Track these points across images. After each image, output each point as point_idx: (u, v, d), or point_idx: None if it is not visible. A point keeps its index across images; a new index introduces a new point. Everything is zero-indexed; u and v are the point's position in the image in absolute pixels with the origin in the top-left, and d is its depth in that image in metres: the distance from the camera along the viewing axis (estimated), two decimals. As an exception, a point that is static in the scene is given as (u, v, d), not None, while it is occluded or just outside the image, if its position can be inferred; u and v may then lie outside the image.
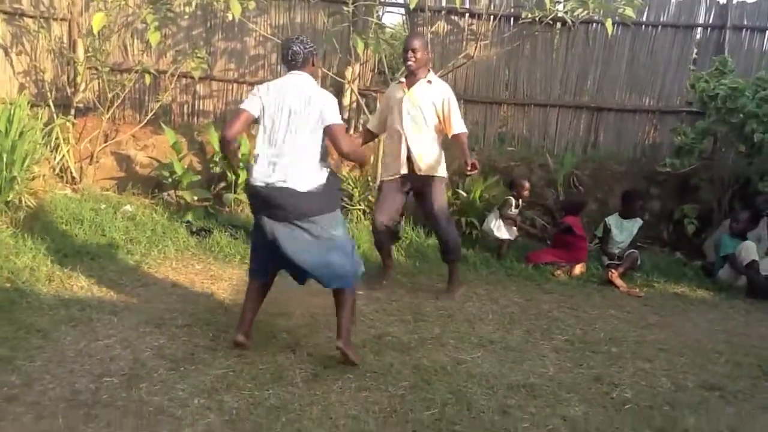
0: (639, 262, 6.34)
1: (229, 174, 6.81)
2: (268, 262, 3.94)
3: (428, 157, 5.12)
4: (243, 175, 6.48)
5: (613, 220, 6.52)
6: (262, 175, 3.71)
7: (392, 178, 5.20)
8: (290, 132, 3.71)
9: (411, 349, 4.15)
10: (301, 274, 3.96)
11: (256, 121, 3.84)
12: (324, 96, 3.80)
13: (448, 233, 5.26)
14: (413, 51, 4.98)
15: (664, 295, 5.86)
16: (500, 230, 6.42)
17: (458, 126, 5.10)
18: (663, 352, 4.47)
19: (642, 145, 7.90)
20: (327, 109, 3.74)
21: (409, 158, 5.12)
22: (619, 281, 5.87)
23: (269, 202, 3.69)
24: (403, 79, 5.19)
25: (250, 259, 4.11)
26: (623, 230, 6.46)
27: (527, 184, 6.65)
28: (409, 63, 5.01)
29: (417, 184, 5.20)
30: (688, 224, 7.09)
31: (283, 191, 3.65)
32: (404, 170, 5.14)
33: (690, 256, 6.91)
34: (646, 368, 4.17)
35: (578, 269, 6.16)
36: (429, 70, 5.18)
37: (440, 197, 5.22)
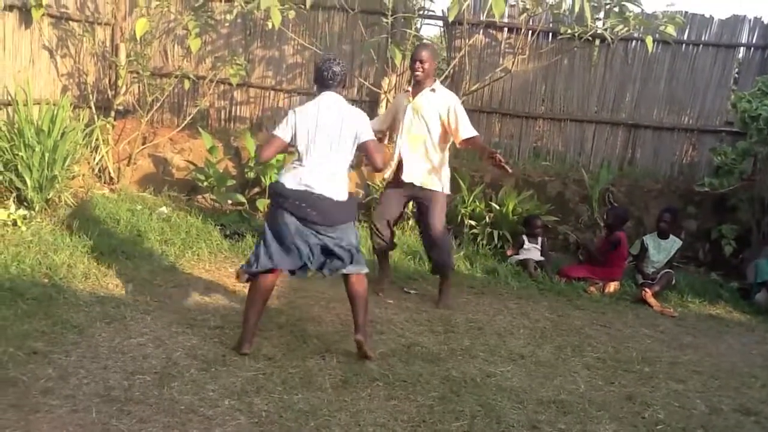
0: (674, 281, 6.23)
1: (263, 179, 6.87)
2: (280, 255, 3.90)
3: (419, 166, 5.03)
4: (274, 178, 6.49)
5: (650, 240, 6.42)
6: (299, 180, 3.84)
7: (389, 181, 5.26)
8: (328, 149, 3.88)
9: (440, 360, 4.14)
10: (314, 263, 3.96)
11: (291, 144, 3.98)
12: (357, 115, 4.00)
13: (439, 253, 5.19)
14: (421, 62, 4.97)
15: (698, 316, 5.75)
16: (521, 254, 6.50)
17: (469, 130, 5.04)
18: (697, 373, 4.39)
19: (679, 164, 7.79)
20: (361, 128, 3.95)
21: (400, 165, 5.09)
22: (652, 300, 5.78)
23: (302, 204, 3.82)
24: (409, 88, 5.21)
25: (258, 255, 3.92)
26: (661, 250, 6.35)
27: (539, 222, 6.62)
28: (417, 73, 5.00)
29: (416, 196, 5.15)
30: (725, 245, 6.97)
31: (321, 198, 3.83)
32: (390, 175, 5.16)
33: (726, 277, 6.78)
34: (680, 389, 4.10)
35: (612, 287, 6.08)
36: (435, 80, 5.16)
37: (437, 213, 5.10)
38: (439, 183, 5.09)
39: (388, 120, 5.34)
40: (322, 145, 3.87)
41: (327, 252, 3.92)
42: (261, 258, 3.91)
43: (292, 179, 3.87)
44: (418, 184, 5.06)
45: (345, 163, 3.96)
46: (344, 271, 3.97)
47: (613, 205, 7.06)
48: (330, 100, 3.95)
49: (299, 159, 3.92)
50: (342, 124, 3.89)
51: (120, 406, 3.17)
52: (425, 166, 5.06)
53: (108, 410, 3.13)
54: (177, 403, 3.27)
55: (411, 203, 5.47)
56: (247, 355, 3.89)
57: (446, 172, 5.17)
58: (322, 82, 3.97)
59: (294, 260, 3.91)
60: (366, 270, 4.08)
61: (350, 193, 4.03)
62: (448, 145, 5.18)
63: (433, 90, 5.05)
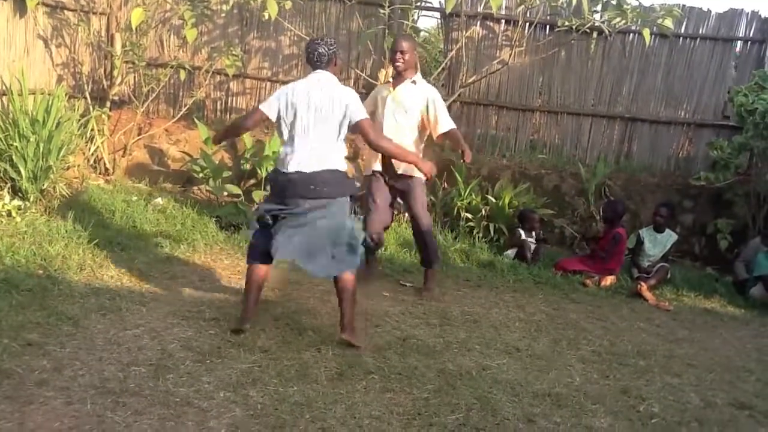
0: (669, 275, 6.24)
1: (259, 171, 6.84)
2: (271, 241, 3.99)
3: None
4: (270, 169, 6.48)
5: (646, 234, 6.42)
6: (293, 163, 3.91)
7: (370, 174, 5.21)
8: (317, 126, 3.92)
9: (436, 353, 4.13)
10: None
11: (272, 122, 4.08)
12: (347, 94, 3.99)
13: (429, 236, 5.22)
14: (402, 52, 4.96)
15: (694, 309, 5.76)
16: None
17: (447, 123, 5.08)
18: (692, 367, 4.40)
19: (676, 158, 7.80)
20: (352, 106, 3.94)
21: (385, 156, 5.03)
22: (648, 294, 5.79)
23: (296, 185, 3.90)
24: (390, 80, 5.18)
25: (252, 243, 4.14)
26: (656, 244, 6.36)
27: (537, 217, 6.65)
28: (398, 64, 4.99)
29: (398, 184, 5.14)
30: (721, 239, 6.99)
31: (316, 174, 3.89)
32: (378, 167, 5.11)
33: (722, 271, 6.80)
34: (675, 383, 4.11)
35: (609, 280, 6.08)
36: (416, 72, 5.16)
37: (421, 197, 5.15)
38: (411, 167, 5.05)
39: (368, 110, 5.30)
40: (309, 123, 3.91)
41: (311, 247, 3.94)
42: (254, 246, 4.10)
43: (282, 163, 3.99)
44: (400, 171, 5.03)
45: (334, 142, 3.96)
46: (335, 273, 3.99)
47: (611, 199, 7.06)
48: (318, 77, 4.00)
49: (286, 140, 3.99)
50: (331, 103, 3.91)
51: (115, 398, 3.16)
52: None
53: (103, 402, 3.11)
54: (172, 395, 3.26)
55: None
56: (244, 332, 3.99)
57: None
58: (311, 63, 4.06)
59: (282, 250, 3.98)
60: (355, 266, 4.07)
61: (345, 171, 4.03)
62: (426, 134, 5.21)
63: (414, 82, 5.06)
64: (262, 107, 4.07)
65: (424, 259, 5.32)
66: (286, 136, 4.01)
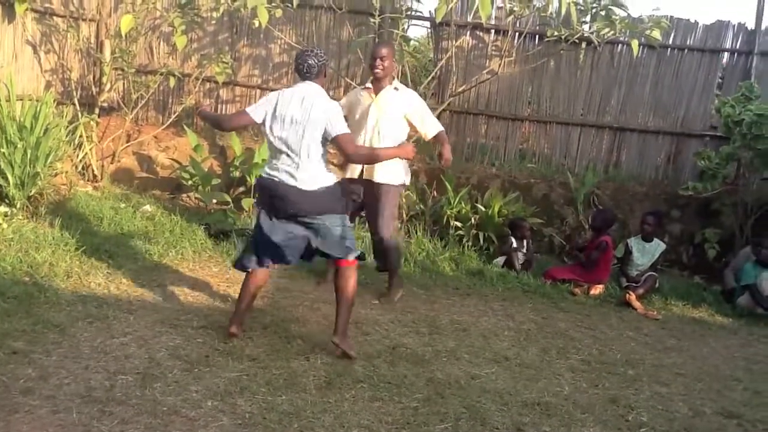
0: (658, 284, 6.26)
1: (248, 178, 6.83)
2: (268, 250, 4.08)
3: (385, 165, 4.91)
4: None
5: (634, 243, 6.44)
6: (273, 171, 3.99)
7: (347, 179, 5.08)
8: (297, 137, 3.91)
9: (425, 362, 4.12)
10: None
11: (259, 126, 4.11)
12: (329, 108, 3.97)
13: (390, 242, 5.17)
14: (381, 59, 4.93)
15: (682, 319, 5.78)
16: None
17: (435, 126, 5.11)
18: (680, 376, 4.41)
19: (664, 168, 7.84)
20: (332, 121, 3.93)
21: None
22: (637, 303, 5.80)
23: (276, 196, 3.95)
24: (369, 85, 5.13)
25: (247, 250, 4.21)
26: (645, 253, 6.38)
27: (527, 225, 6.66)
28: (377, 70, 4.95)
29: (369, 189, 5.06)
30: (709, 249, 7.01)
31: (291, 189, 3.91)
32: (354, 174, 5.05)
33: (710, 280, 6.83)
34: (663, 392, 4.11)
35: (597, 289, 6.10)
36: (394, 78, 5.17)
37: (391, 204, 5.08)
38: (396, 176, 5.04)
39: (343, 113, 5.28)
40: (290, 133, 3.92)
41: (309, 248, 4.06)
42: (250, 253, 4.14)
43: (266, 170, 4.04)
44: (382, 181, 4.98)
45: (316, 153, 3.94)
46: (333, 255, 4.05)
47: (600, 208, 7.09)
48: (304, 89, 4.01)
49: (272, 147, 4.02)
50: (313, 116, 3.90)
51: (101, 407, 3.13)
52: (389, 163, 4.91)
53: (89, 411, 3.09)
54: (159, 404, 3.23)
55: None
56: (235, 336, 4.05)
57: (402, 166, 5.11)
58: (300, 73, 4.08)
59: (277, 255, 4.09)
60: (354, 255, 4.07)
61: (334, 185, 4.02)
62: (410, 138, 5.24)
63: (396, 89, 5.07)
64: (249, 110, 4.09)
65: (380, 263, 5.36)
66: (270, 143, 4.03)
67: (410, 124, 5.09)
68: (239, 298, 4.18)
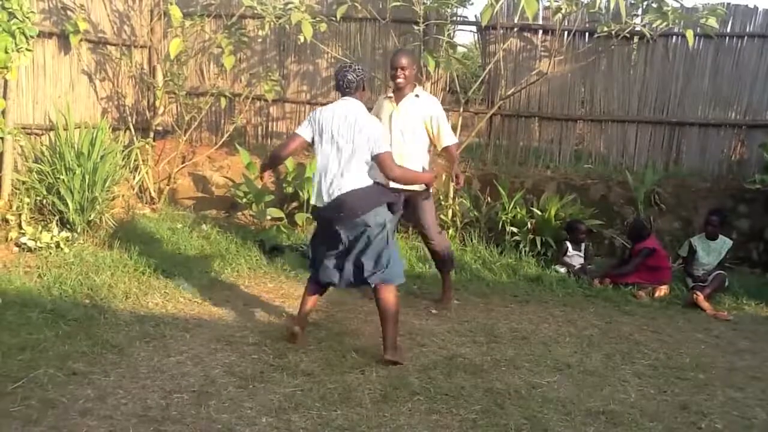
0: (727, 283, 5.98)
1: (301, 194, 6.85)
2: (324, 264, 4.16)
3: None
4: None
5: (698, 242, 6.18)
6: (322, 191, 4.03)
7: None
8: (341, 152, 3.98)
9: (483, 372, 4.02)
10: (350, 276, 4.14)
11: (310, 145, 4.15)
12: (372, 125, 4.02)
13: (440, 244, 5.17)
14: (402, 68, 4.93)
15: (755, 319, 5.49)
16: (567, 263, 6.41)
17: (449, 138, 5.08)
18: (755, 380, 4.18)
19: (728, 161, 7.51)
20: (374, 139, 3.98)
21: None
22: (705, 304, 5.55)
23: (332, 212, 4.00)
24: (391, 94, 5.11)
25: (310, 264, 4.38)
26: (710, 252, 6.11)
27: (583, 227, 6.48)
28: (399, 80, 4.95)
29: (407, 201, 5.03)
30: (781, 244, 6.68)
31: (340, 198, 3.96)
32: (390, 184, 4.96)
33: (784, 277, 6.50)
34: (738, 397, 3.90)
35: (662, 290, 5.86)
36: (416, 85, 5.14)
37: (428, 209, 5.10)
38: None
39: None
40: (335, 148, 3.99)
41: (357, 266, 4.05)
42: (312, 268, 4.33)
43: (316, 196, 4.09)
44: (408, 188, 4.90)
45: (361, 168, 4.00)
46: (370, 281, 4.02)
47: (660, 207, 6.83)
48: (346, 105, 4.06)
49: (319, 164, 4.07)
50: (356, 133, 3.96)
51: (157, 426, 3.14)
52: (417, 170, 4.88)
53: (145, 430, 3.11)
54: (214, 421, 3.23)
55: None
56: (295, 333, 4.19)
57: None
58: (340, 89, 4.13)
59: (327, 276, 4.16)
60: (397, 282, 4.10)
61: (373, 185, 4.07)
62: (430, 149, 5.25)
63: (417, 96, 5.04)
64: (299, 131, 4.17)
65: (437, 264, 5.40)
66: (318, 161, 4.08)
67: (428, 132, 5.06)
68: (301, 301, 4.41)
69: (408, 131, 4.97)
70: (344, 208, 3.95)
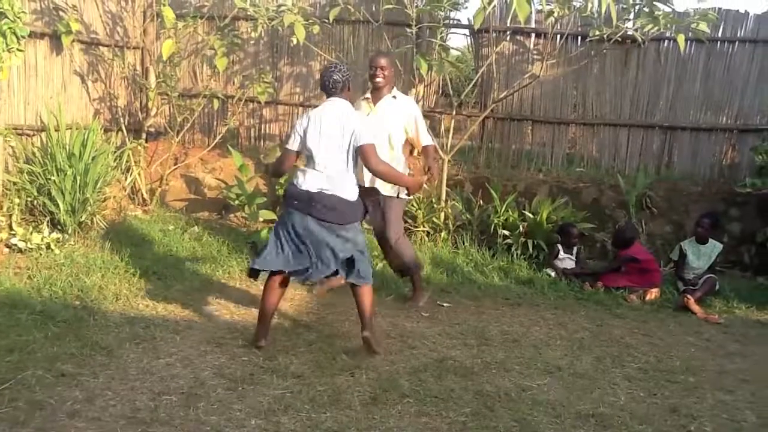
0: (717, 287, 5.99)
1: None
2: (289, 256, 4.09)
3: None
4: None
5: (689, 246, 6.19)
6: (311, 183, 4.04)
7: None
8: (330, 151, 4.04)
9: (474, 374, 4.02)
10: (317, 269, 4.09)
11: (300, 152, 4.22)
12: (355, 120, 4.09)
13: (401, 251, 5.15)
14: (381, 68, 4.98)
15: (745, 322, 5.51)
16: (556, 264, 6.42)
17: (426, 139, 5.15)
18: (745, 382, 4.19)
19: (719, 165, 7.54)
20: (358, 132, 4.04)
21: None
22: (695, 307, 5.56)
23: (315, 202, 4.01)
24: (368, 95, 5.13)
25: (265, 254, 4.14)
26: (700, 256, 6.12)
27: (575, 231, 6.49)
28: (378, 80, 5.00)
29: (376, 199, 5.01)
30: (772, 248, 6.70)
31: (331, 197, 4.02)
32: (367, 183, 4.91)
33: (774, 280, 6.52)
34: (727, 400, 3.90)
35: (653, 294, 5.88)
36: (393, 86, 5.17)
37: (396, 207, 5.07)
38: (395, 189, 4.99)
39: None
40: (325, 148, 4.04)
41: (334, 255, 4.05)
42: (265, 258, 4.11)
43: (301, 181, 4.09)
44: (383, 192, 4.85)
45: (348, 165, 4.08)
46: (350, 281, 4.09)
47: (651, 210, 6.85)
48: (332, 105, 4.12)
49: (307, 162, 4.14)
50: (341, 129, 4.04)
51: (145, 428, 3.13)
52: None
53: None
54: (203, 423, 3.22)
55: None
56: (262, 348, 4.11)
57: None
58: (325, 90, 4.18)
59: (297, 263, 4.08)
60: (370, 282, 4.20)
61: (355, 202, 4.13)
62: (407, 150, 5.25)
63: (394, 97, 5.08)
64: (288, 146, 4.20)
65: (400, 271, 5.36)
66: (308, 160, 4.15)
67: (406, 133, 5.09)
68: (260, 309, 4.30)
69: (382, 133, 4.92)
70: (327, 210, 4.02)
